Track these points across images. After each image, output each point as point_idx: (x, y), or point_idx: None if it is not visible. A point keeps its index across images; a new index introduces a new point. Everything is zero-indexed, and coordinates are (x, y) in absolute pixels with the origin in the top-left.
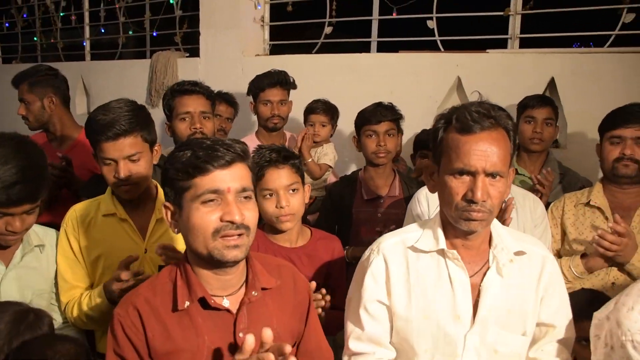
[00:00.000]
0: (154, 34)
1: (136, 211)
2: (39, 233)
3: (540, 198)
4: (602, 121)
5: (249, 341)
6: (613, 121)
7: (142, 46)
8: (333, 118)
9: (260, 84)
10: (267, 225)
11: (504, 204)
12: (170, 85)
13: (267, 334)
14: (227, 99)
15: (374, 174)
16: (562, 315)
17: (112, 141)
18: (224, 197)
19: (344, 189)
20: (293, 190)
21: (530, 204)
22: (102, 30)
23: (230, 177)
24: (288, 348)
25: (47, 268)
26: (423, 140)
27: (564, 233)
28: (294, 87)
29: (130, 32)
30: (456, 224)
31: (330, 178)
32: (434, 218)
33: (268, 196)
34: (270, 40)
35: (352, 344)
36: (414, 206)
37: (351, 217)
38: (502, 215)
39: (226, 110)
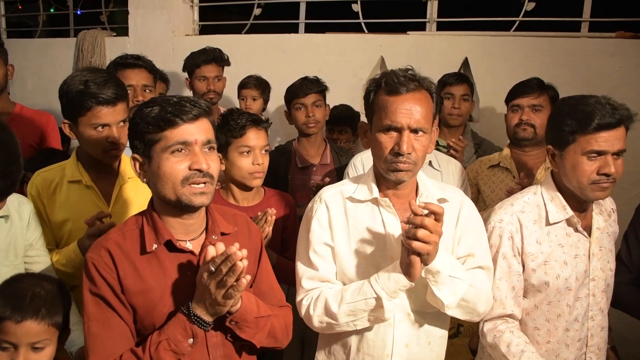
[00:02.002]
0: (78, 12)
1: (101, 178)
2: (11, 203)
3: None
4: (507, 94)
5: (219, 247)
6: (513, 92)
7: (64, 25)
8: (264, 92)
9: (196, 61)
10: (223, 189)
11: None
12: (113, 59)
13: (219, 247)
14: (159, 75)
15: (306, 144)
16: (479, 246)
17: (111, 107)
18: (192, 148)
19: (280, 158)
20: (265, 151)
21: (453, 168)
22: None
23: (197, 130)
24: (233, 248)
25: (11, 239)
26: (336, 116)
27: (478, 192)
28: (228, 63)
29: (52, 10)
30: (386, 175)
31: None
32: (367, 172)
33: (245, 153)
34: (200, 20)
35: (305, 282)
36: (351, 171)
37: (287, 183)
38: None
39: (159, 86)
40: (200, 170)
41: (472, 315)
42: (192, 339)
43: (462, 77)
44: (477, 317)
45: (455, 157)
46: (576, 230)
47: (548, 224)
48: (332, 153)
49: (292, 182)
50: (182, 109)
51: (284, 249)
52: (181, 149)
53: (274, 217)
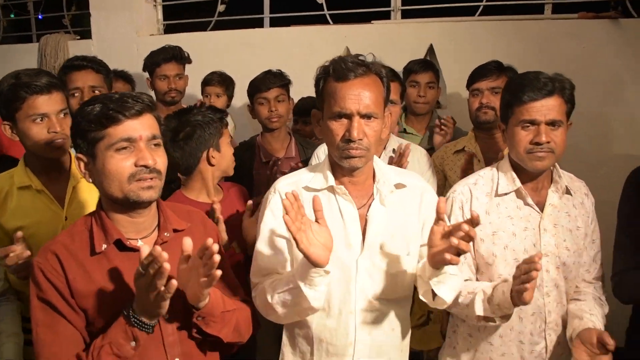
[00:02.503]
0: (40, 16)
1: (51, 181)
2: None
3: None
4: (467, 79)
5: (187, 243)
6: (472, 77)
7: (26, 30)
8: (228, 89)
9: (155, 60)
10: (186, 187)
11: (401, 150)
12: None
13: (187, 242)
14: (123, 76)
15: (270, 138)
16: None
17: (46, 94)
18: (137, 144)
19: (244, 153)
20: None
21: (417, 156)
22: None
23: (141, 126)
24: (210, 241)
25: None
26: (301, 107)
27: (445, 178)
28: (189, 61)
29: (12, 15)
30: (340, 163)
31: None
32: (323, 161)
33: (229, 143)
34: (165, 19)
35: (254, 276)
36: (314, 161)
37: (252, 179)
38: (399, 161)
39: (123, 87)
40: (146, 167)
41: (453, 304)
42: (134, 342)
43: (427, 64)
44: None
45: (443, 136)
46: (526, 203)
47: (497, 195)
48: (297, 146)
49: (257, 178)
50: (125, 105)
51: None
52: (126, 146)
53: (219, 206)
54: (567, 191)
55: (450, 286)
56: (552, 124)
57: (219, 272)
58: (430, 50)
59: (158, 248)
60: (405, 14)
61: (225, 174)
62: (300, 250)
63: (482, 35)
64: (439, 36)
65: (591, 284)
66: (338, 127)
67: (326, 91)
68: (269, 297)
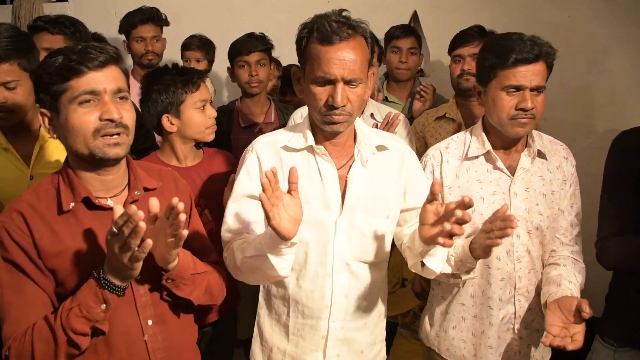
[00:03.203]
0: None
1: (18, 140)
2: None
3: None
4: (449, 44)
5: (154, 202)
6: (454, 43)
7: None
8: (208, 53)
9: (131, 21)
10: (160, 150)
11: (389, 119)
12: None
13: (154, 202)
14: (96, 38)
15: (249, 103)
16: (424, 198)
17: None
18: (101, 97)
19: (222, 118)
20: (211, 101)
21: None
22: None
23: (105, 78)
24: (175, 200)
25: None
26: (288, 78)
27: (425, 145)
28: (167, 23)
29: None
30: (322, 127)
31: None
32: (303, 121)
33: (201, 107)
34: None
35: (224, 234)
36: (290, 124)
37: (230, 144)
38: (388, 130)
39: None
40: (112, 120)
41: None
42: (104, 305)
43: (409, 29)
44: None
45: (423, 103)
46: (495, 167)
47: (467, 158)
48: (276, 111)
49: (235, 143)
50: (87, 56)
51: None
52: (89, 99)
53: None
54: (541, 155)
55: (439, 257)
56: (536, 89)
57: (185, 232)
58: (414, 16)
59: (133, 207)
60: None
61: (196, 140)
62: (271, 227)
63: (466, 2)
64: (422, 3)
65: (569, 246)
66: (321, 92)
67: (309, 52)
68: (237, 260)
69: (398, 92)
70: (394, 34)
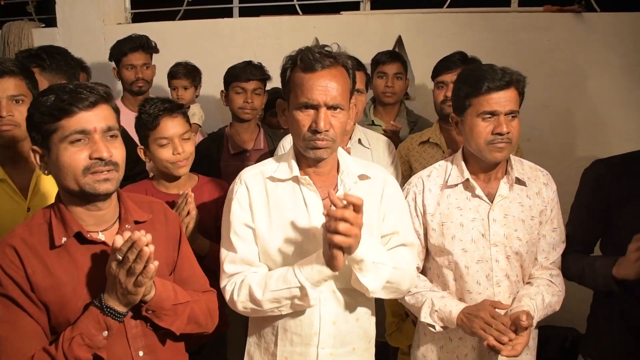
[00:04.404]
0: (2, 3)
1: (15, 171)
2: None
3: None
4: (432, 70)
5: (117, 239)
6: (437, 69)
7: None
8: (195, 80)
9: (122, 49)
10: (156, 176)
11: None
12: None
13: (117, 239)
14: (78, 65)
15: (239, 129)
16: (403, 223)
17: None
18: (91, 136)
19: (211, 144)
20: (185, 138)
21: (383, 145)
22: None
23: (95, 118)
24: (136, 234)
25: None
26: (270, 99)
27: (410, 169)
28: (156, 50)
29: None
30: (305, 153)
31: (198, 138)
32: (288, 151)
33: (164, 145)
34: (132, 8)
35: (227, 266)
36: (280, 152)
37: (219, 171)
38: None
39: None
40: (101, 159)
41: (397, 294)
42: (106, 332)
43: (395, 55)
44: (401, 295)
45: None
46: (474, 195)
47: (447, 186)
48: (265, 137)
49: (225, 170)
50: (78, 97)
51: (219, 236)
52: (80, 138)
53: (192, 198)
54: (520, 182)
55: (375, 276)
56: (510, 114)
57: (153, 265)
58: (399, 41)
59: (137, 232)
60: (375, 5)
61: (169, 173)
62: (340, 265)
63: (450, 27)
64: (407, 28)
65: (547, 270)
66: (304, 118)
67: (293, 81)
68: (257, 293)
69: (385, 115)
70: (380, 59)
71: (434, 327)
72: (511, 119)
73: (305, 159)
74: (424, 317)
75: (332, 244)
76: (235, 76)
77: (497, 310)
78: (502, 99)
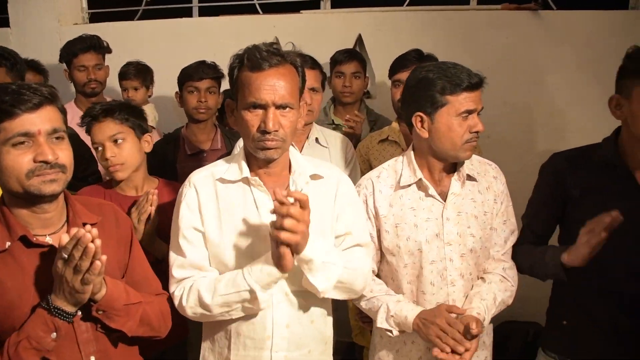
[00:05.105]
0: None
1: None
2: None
3: (354, 136)
4: (389, 69)
5: (63, 237)
6: (393, 67)
7: None
8: (146, 80)
9: (72, 50)
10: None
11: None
12: None
13: (63, 237)
14: (33, 66)
15: (195, 130)
16: (357, 223)
17: None
18: (35, 139)
19: (167, 145)
20: (116, 140)
21: (340, 144)
22: None
23: (39, 120)
24: (80, 231)
25: None
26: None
27: (370, 167)
28: (109, 51)
29: None
30: (255, 154)
31: (155, 138)
32: (238, 152)
33: (99, 149)
34: (90, 8)
35: (176, 271)
36: (236, 152)
37: (176, 172)
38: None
39: (34, 78)
40: (46, 162)
41: (350, 294)
42: (55, 333)
43: (353, 54)
44: (355, 295)
45: (354, 133)
46: (427, 194)
47: (399, 187)
48: (223, 138)
49: (182, 171)
50: (21, 98)
51: None
52: (23, 141)
53: (155, 197)
54: (471, 177)
55: (326, 276)
56: (479, 112)
57: (98, 263)
58: (359, 40)
59: (82, 230)
60: (335, 4)
61: (109, 175)
62: (289, 265)
63: (409, 25)
64: (367, 26)
65: (500, 262)
66: (253, 118)
67: (240, 81)
68: (206, 298)
69: (344, 115)
70: (337, 58)
71: (391, 332)
72: (479, 116)
73: (256, 160)
74: (380, 322)
75: (279, 241)
76: (188, 76)
77: (453, 315)
78: (477, 98)
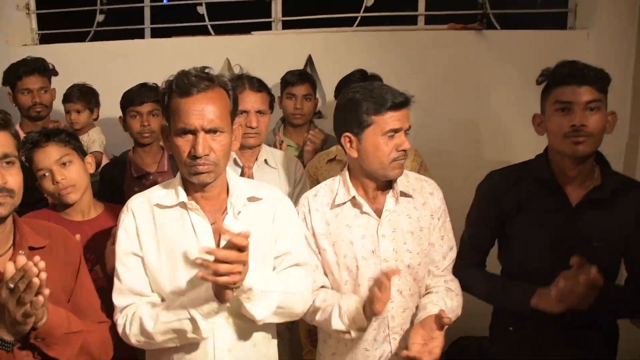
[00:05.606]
0: None
1: None
2: None
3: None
4: None
5: (9, 267)
6: (338, 88)
7: None
8: (90, 102)
9: (16, 72)
10: (59, 204)
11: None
12: None
13: (9, 267)
14: None
15: (142, 153)
16: (296, 243)
17: None
18: None
19: (114, 169)
20: (64, 163)
21: (290, 165)
22: None
23: None
24: (29, 264)
25: None
26: None
27: None
28: (55, 73)
29: None
30: (189, 179)
31: (105, 161)
32: (175, 177)
33: (44, 176)
34: (40, 29)
35: (117, 299)
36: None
37: (123, 195)
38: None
39: None
40: None
41: (290, 317)
42: None
43: (304, 76)
44: (296, 317)
45: (313, 151)
46: (362, 212)
47: (334, 205)
48: (169, 160)
49: (129, 194)
50: None
51: None
52: None
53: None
54: (405, 194)
55: (264, 304)
56: (407, 131)
57: (45, 294)
58: (309, 60)
59: (30, 262)
60: (286, 25)
61: (58, 200)
62: (228, 297)
63: (359, 45)
64: (318, 46)
65: (441, 277)
66: (184, 144)
67: (171, 107)
68: (148, 326)
69: (294, 135)
70: (289, 80)
71: (349, 333)
72: (407, 135)
73: (192, 184)
74: (336, 324)
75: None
76: (129, 100)
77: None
78: (403, 117)
